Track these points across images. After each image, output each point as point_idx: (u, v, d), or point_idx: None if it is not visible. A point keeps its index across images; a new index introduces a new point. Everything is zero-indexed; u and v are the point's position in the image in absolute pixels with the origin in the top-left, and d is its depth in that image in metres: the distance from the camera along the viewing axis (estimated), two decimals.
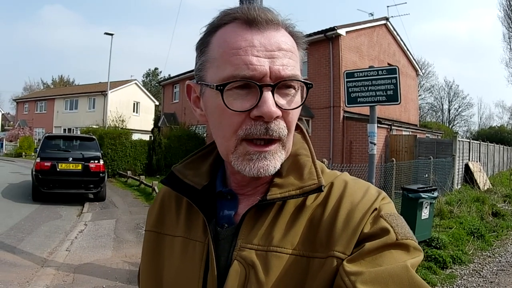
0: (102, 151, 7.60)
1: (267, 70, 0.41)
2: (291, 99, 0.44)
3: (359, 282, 0.37)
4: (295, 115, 0.45)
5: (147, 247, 0.54)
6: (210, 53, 0.44)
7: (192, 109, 0.50)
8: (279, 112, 0.42)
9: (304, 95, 0.46)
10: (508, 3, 18.82)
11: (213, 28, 0.45)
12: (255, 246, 0.43)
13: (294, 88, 0.44)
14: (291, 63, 0.43)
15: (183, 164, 0.53)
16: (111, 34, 16.27)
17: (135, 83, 26.03)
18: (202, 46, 0.46)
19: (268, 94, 0.41)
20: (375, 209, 0.42)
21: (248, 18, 0.42)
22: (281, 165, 0.47)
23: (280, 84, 0.42)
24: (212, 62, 0.44)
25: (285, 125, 0.43)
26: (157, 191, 7.42)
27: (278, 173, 0.47)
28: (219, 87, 0.42)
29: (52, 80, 41.57)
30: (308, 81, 0.45)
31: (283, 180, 0.46)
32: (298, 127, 0.52)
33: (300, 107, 0.45)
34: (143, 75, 40.62)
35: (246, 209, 0.45)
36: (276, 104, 0.42)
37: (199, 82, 0.47)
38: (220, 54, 0.43)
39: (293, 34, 0.46)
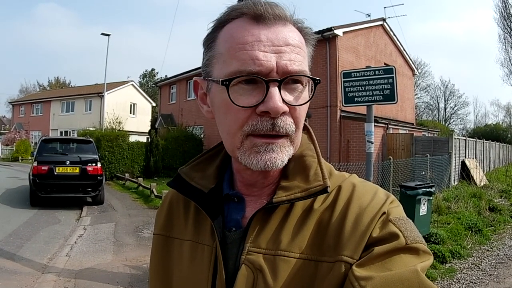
0: (99, 154, 7.55)
1: (274, 65, 0.40)
2: (299, 95, 0.43)
3: (369, 287, 0.36)
4: (302, 111, 0.44)
5: (156, 250, 0.54)
6: (217, 49, 0.44)
7: (199, 106, 0.50)
8: (285, 108, 0.41)
9: (312, 91, 0.45)
10: (503, 5, 19.07)
11: (221, 24, 0.44)
12: (262, 250, 0.43)
13: (302, 84, 0.43)
14: (298, 58, 0.42)
15: (190, 166, 0.53)
16: (108, 35, 16.16)
17: (132, 84, 25.90)
18: (209, 41, 0.45)
19: (274, 90, 0.40)
20: (384, 213, 0.42)
21: (255, 13, 0.42)
22: (287, 167, 0.47)
23: (287, 79, 0.41)
24: (219, 58, 0.44)
25: (292, 121, 0.43)
26: (155, 193, 7.40)
27: (284, 175, 0.47)
28: (224, 82, 0.41)
29: (48, 82, 41.31)
30: (315, 77, 0.44)
31: (289, 183, 0.45)
32: (305, 127, 0.51)
33: (308, 103, 0.45)
34: (140, 76, 40.47)
35: (253, 212, 0.45)
36: (283, 100, 0.41)
37: (206, 78, 0.46)
38: (226, 49, 0.43)
39: (301, 30, 0.45)
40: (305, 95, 0.44)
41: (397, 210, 0.44)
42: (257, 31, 0.42)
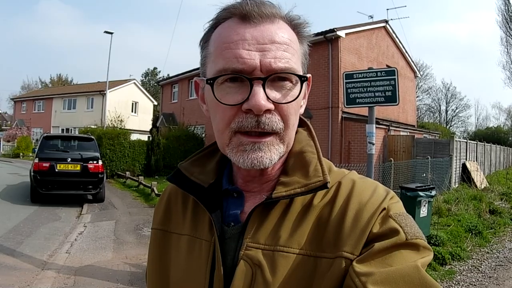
0: (100, 152, 7.57)
1: (257, 63, 0.41)
2: (287, 92, 0.43)
3: (370, 282, 0.36)
4: (292, 108, 0.43)
5: (153, 245, 0.54)
6: (209, 49, 0.45)
7: (200, 105, 0.51)
8: (269, 106, 0.41)
9: (304, 89, 0.45)
10: (506, 8, 19.05)
11: (213, 24, 0.46)
12: (261, 246, 0.43)
13: (291, 82, 0.43)
14: (285, 55, 0.42)
15: (190, 161, 0.53)
16: (111, 33, 16.19)
17: (134, 83, 25.93)
18: (203, 41, 0.47)
19: (258, 88, 0.41)
20: (384, 208, 0.42)
21: (242, 13, 0.42)
22: (287, 163, 0.47)
23: (273, 77, 0.41)
24: (210, 57, 0.45)
25: (279, 118, 0.42)
26: (156, 191, 7.41)
27: (284, 171, 0.47)
28: (209, 81, 0.43)
29: (50, 79, 41.38)
30: (302, 74, 0.44)
31: (288, 178, 0.45)
32: (304, 124, 0.51)
33: (298, 100, 0.44)
34: (142, 74, 40.47)
35: (252, 207, 0.45)
36: (268, 98, 0.41)
37: (201, 78, 0.47)
38: (214, 48, 0.44)
39: (295, 27, 0.45)
40: (295, 92, 0.44)
41: (397, 206, 0.44)
42: (243, 30, 0.42)
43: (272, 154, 0.43)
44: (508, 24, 19.47)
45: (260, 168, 0.43)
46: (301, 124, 0.51)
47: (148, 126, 20.73)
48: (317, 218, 0.44)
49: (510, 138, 30.63)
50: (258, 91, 0.41)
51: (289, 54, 0.43)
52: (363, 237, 0.40)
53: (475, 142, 11.77)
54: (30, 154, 18.12)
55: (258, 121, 0.42)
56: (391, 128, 10.13)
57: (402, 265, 0.37)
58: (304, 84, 0.45)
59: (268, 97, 0.41)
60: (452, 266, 3.65)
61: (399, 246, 0.39)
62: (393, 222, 0.41)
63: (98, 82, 25.97)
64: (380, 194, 0.44)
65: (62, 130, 23.23)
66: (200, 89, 0.50)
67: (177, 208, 0.54)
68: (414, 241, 0.40)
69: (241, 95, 0.42)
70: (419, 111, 30.49)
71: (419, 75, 16.20)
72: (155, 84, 30.96)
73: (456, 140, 9.06)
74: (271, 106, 0.42)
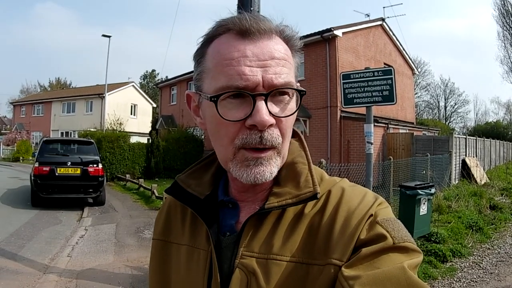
0: (100, 155, 7.58)
1: (260, 79, 0.42)
2: (285, 106, 0.44)
3: (357, 285, 0.37)
4: (289, 121, 0.46)
5: (154, 255, 0.56)
6: (206, 64, 0.46)
7: (192, 118, 0.52)
8: (272, 121, 0.43)
9: (299, 101, 0.47)
10: (502, 2, 19.07)
11: (209, 39, 0.46)
12: (255, 254, 0.44)
13: (288, 95, 0.45)
14: (284, 71, 0.43)
15: (187, 173, 0.55)
16: (109, 36, 16.22)
17: (133, 85, 25.93)
18: (199, 56, 0.47)
19: (261, 103, 0.42)
20: (371, 215, 0.43)
21: (240, 29, 0.43)
22: (279, 173, 0.48)
23: (273, 92, 0.43)
24: (208, 73, 0.45)
25: (279, 133, 0.44)
26: (156, 194, 7.42)
27: (276, 182, 0.48)
28: (213, 98, 0.43)
29: (49, 82, 41.38)
30: (301, 88, 0.46)
31: (280, 189, 0.47)
32: (296, 135, 0.53)
33: (295, 113, 0.46)
34: (140, 77, 40.40)
35: (246, 217, 0.46)
36: (270, 112, 0.42)
37: (197, 92, 0.48)
38: (214, 64, 0.44)
39: (288, 41, 0.46)
40: (292, 106, 0.45)
41: (385, 211, 0.44)
42: (243, 46, 0.43)
43: (271, 167, 0.45)
44: (504, 19, 19.52)
45: (262, 181, 0.44)
46: (293, 134, 0.52)
47: (147, 128, 20.74)
48: (308, 226, 0.45)
49: (510, 133, 30.65)
50: (262, 106, 0.42)
51: (287, 69, 0.44)
52: (351, 244, 0.41)
53: (475, 137, 11.78)
54: (30, 158, 18.12)
55: (261, 137, 0.43)
56: (390, 126, 10.15)
57: (389, 267, 0.38)
58: (301, 98, 0.47)
59: (270, 112, 0.43)
60: (453, 263, 3.66)
61: (387, 250, 0.40)
62: (380, 228, 0.42)
63: (97, 85, 25.96)
64: (368, 200, 0.45)
65: (62, 133, 23.23)
66: (193, 102, 0.51)
67: (177, 218, 0.55)
68: (402, 244, 0.40)
69: (243, 111, 0.43)
70: (418, 108, 30.56)
71: (417, 72, 16.24)
72: (154, 86, 30.95)
73: (455, 137, 9.07)
74: (273, 120, 0.43)
